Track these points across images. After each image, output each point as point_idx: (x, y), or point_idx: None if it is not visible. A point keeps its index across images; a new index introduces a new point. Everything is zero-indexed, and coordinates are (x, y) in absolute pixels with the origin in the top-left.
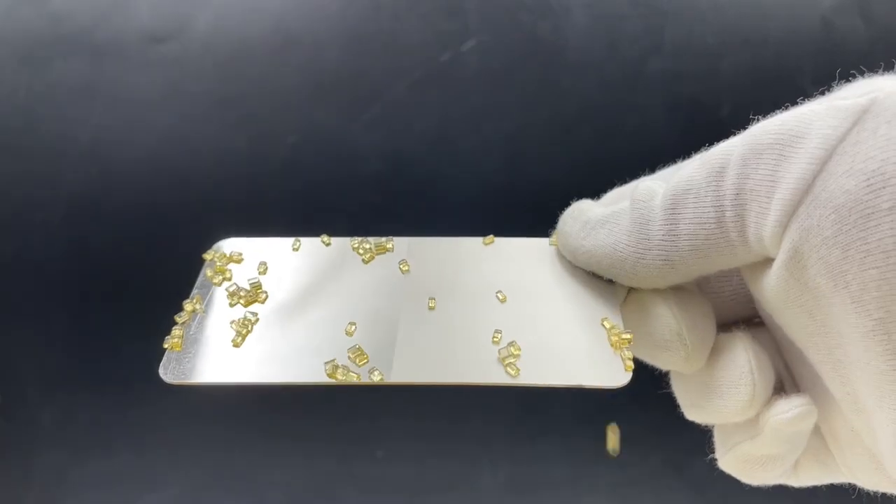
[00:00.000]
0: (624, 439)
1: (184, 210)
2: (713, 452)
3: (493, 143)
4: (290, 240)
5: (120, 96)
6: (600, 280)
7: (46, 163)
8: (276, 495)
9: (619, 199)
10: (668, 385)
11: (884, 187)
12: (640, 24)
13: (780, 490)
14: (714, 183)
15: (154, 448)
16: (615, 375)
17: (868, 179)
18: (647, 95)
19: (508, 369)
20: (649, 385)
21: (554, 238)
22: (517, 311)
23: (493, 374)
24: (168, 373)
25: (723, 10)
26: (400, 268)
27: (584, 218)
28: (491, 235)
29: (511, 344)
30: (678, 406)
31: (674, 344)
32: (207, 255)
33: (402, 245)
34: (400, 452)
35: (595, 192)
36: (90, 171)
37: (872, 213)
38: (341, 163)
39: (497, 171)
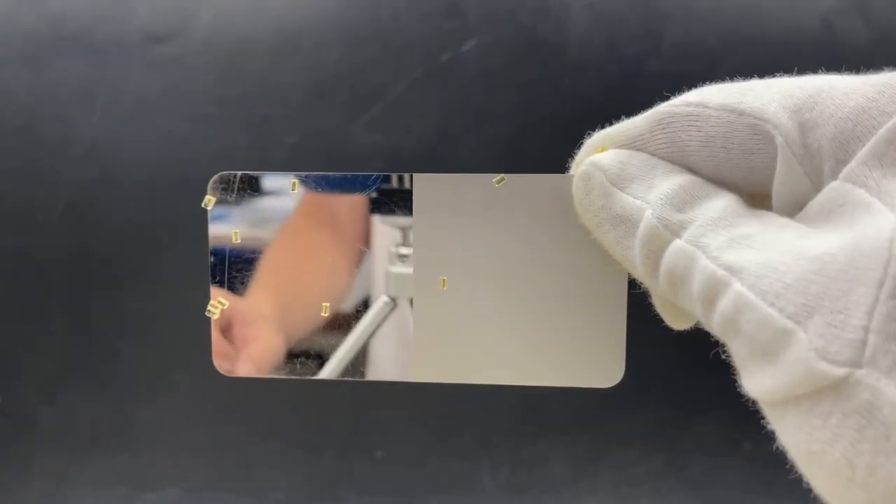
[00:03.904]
0: (624, 439)
1: (184, 210)
2: (713, 452)
3: (493, 143)
4: (289, 178)
5: (120, 96)
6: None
7: (46, 163)
8: (276, 495)
9: (641, 126)
10: (666, 385)
11: (820, 467)
12: (639, 25)
13: (780, 490)
14: (703, 303)
15: (154, 448)
16: (609, 374)
17: (805, 460)
18: (647, 96)
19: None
20: (649, 384)
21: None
22: (524, 290)
23: (496, 375)
24: (221, 363)
25: (723, 11)
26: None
27: (599, 202)
28: (502, 174)
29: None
30: (677, 406)
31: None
32: (209, 204)
33: (407, 182)
34: (400, 452)
35: None
36: (90, 171)
37: (813, 478)
38: (341, 163)
39: (497, 171)
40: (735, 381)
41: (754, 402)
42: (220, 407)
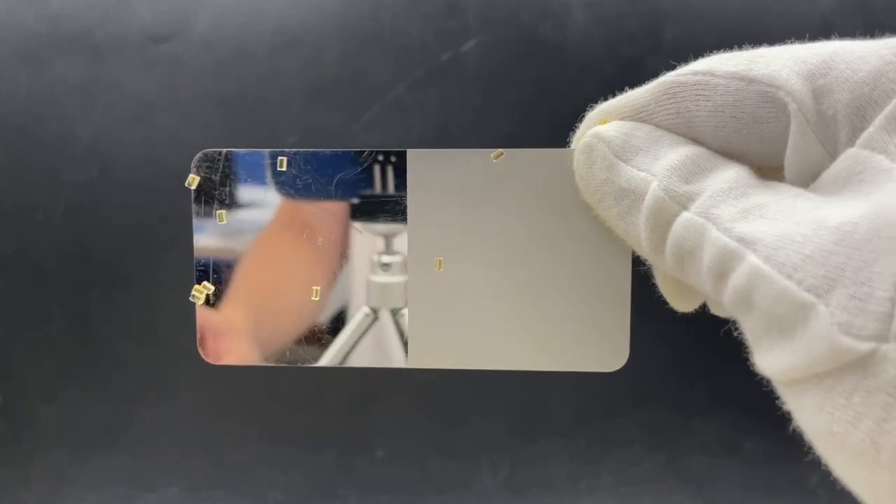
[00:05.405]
0: (624, 439)
1: (184, 210)
2: (713, 452)
3: (493, 143)
4: (277, 154)
5: (120, 96)
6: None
7: (46, 163)
8: (276, 495)
9: (646, 97)
10: (667, 385)
11: (842, 449)
12: (639, 24)
13: (780, 489)
14: (714, 278)
15: (154, 448)
16: (613, 358)
17: (825, 441)
18: None
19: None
20: (650, 384)
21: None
22: (523, 270)
23: (496, 360)
24: (207, 352)
25: (723, 10)
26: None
27: (602, 175)
28: (500, 149)
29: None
30: (677, 406)
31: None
32: (193, 184)
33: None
34: (400, 452)
35: None
36: (90, 171)
37: (833, 460)
38: None
39: None
40: (735, 381)
41: (754, 402)
42: (219, 407)
